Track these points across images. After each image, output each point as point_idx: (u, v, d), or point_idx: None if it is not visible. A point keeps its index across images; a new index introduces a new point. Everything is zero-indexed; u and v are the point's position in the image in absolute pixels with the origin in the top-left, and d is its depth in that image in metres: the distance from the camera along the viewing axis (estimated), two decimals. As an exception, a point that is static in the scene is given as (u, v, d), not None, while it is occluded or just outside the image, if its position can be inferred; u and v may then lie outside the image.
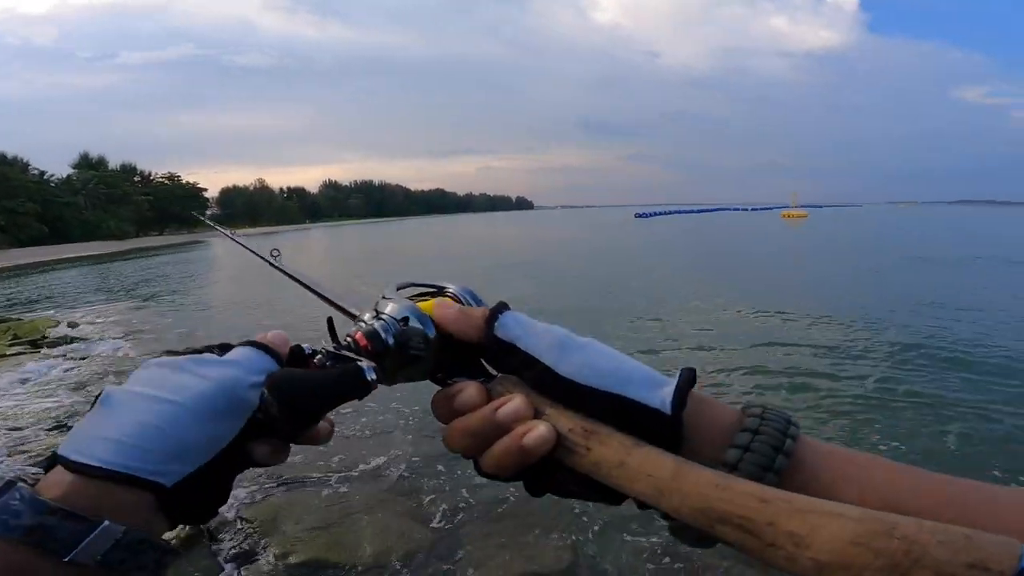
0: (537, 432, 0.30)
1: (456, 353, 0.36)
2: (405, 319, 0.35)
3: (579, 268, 15.64)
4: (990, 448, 3.85)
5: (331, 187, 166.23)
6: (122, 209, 58.23)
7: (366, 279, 13.88)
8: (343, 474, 3.58)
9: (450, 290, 0.39)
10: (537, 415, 0.31)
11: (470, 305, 0.38)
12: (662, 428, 0.30)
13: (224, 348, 0.35)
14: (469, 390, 0.34)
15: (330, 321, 0.40)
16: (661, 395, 0.30)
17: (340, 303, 0.45)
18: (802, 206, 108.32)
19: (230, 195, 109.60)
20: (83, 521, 0.26)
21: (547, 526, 2.88)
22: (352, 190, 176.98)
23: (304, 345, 0.37)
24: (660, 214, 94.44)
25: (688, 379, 0.31)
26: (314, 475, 3.55)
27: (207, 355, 0.33)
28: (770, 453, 0.28)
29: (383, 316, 0.36)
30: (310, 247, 35.39)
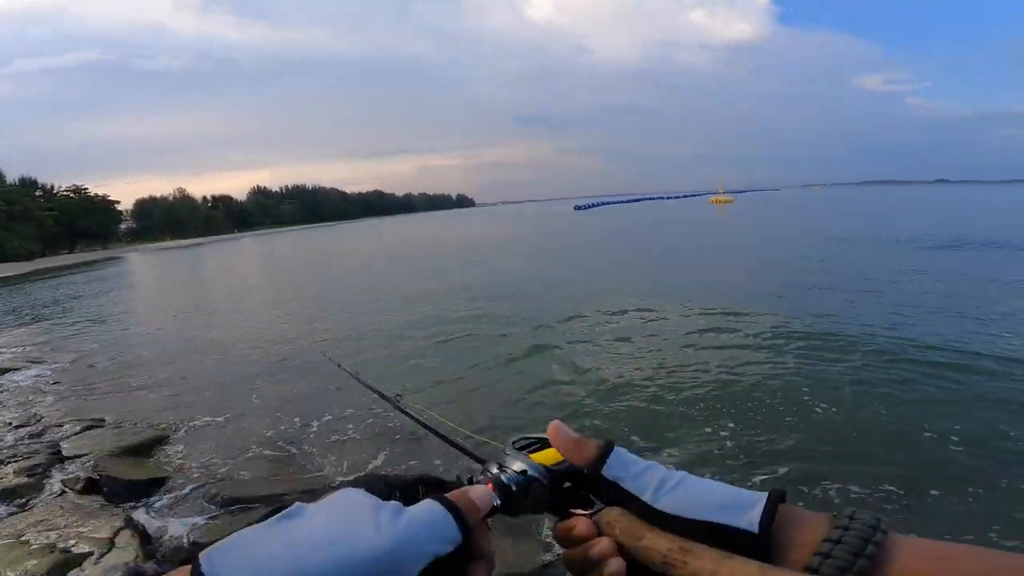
0: (611, 568, 0.37)
1: (569, 485, 0.44)
2: (524, 471, 0.42)
3: (521, 265, 15.92)
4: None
5: (260, 193, 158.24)
6: (24, 227, 53.06)
7: (320, 301, 13.52)
8: (299, 494, 3.48)
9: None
10: (638, 538, 0.38)
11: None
12: (753, 546, 0.35)
13: (412, 490, 0.38)
14: (579, 527, 0.40)
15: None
16: (749, 517, 0.36)
17: (470, 451, 0.57)
18: (728, 192, 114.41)
19: (146, 207, 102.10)
20: None
21: None
22: (284, 196, 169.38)
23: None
24: (598, 205, 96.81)
25: (776, 499, 0.36)
26: (275, 492, 3.49)
27: (393, 504, 0.34)
28: (850, 559, 0.33)
29: (507, 470, 0.43)
30: (239, 261, 33.54)
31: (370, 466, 3.86)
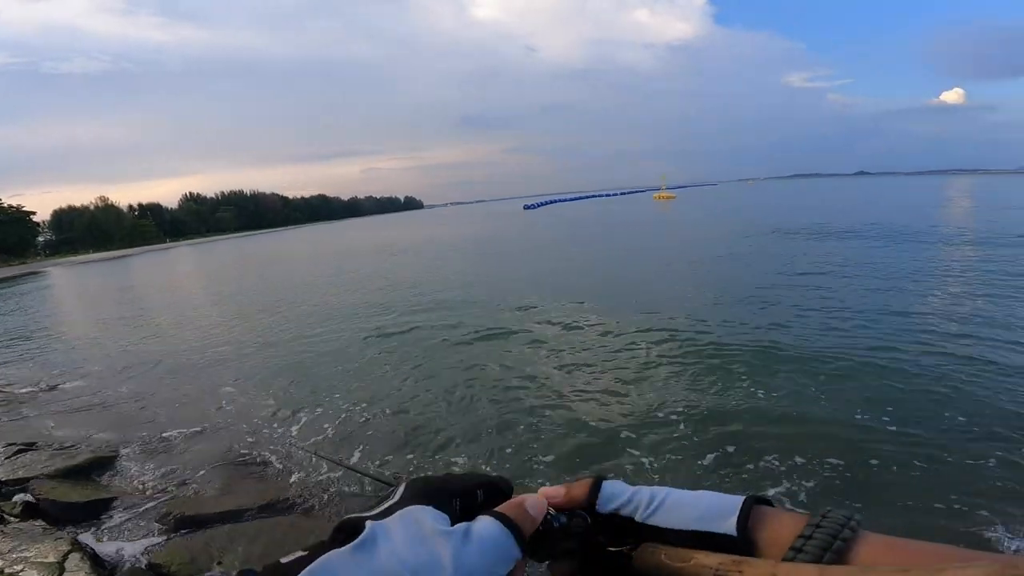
0: None
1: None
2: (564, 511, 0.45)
3: (471, 268, 15.94)
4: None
5: (193, 200, 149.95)
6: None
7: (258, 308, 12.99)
8: (257, 509, 3.42)
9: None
10: (687, 559, 0.41)
11: None
12: (734, 547, 0.40)
13: (471, 496, 0.41)
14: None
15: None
16: (728, 523, 0.41)
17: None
18: (670, 188, 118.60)
19: (66, 217, 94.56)
20: None
21: None
22: (219, 202, 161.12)
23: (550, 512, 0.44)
24: (547, 203, 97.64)
25: (750, 504, 0.41)
26: (230, 509, 3.40)
27: (460, 529, 0.36)
28: (818, 552, 0.36)
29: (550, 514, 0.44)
30: (171, 272, 31.64)
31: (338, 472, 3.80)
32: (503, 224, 40.67)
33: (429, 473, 0.46)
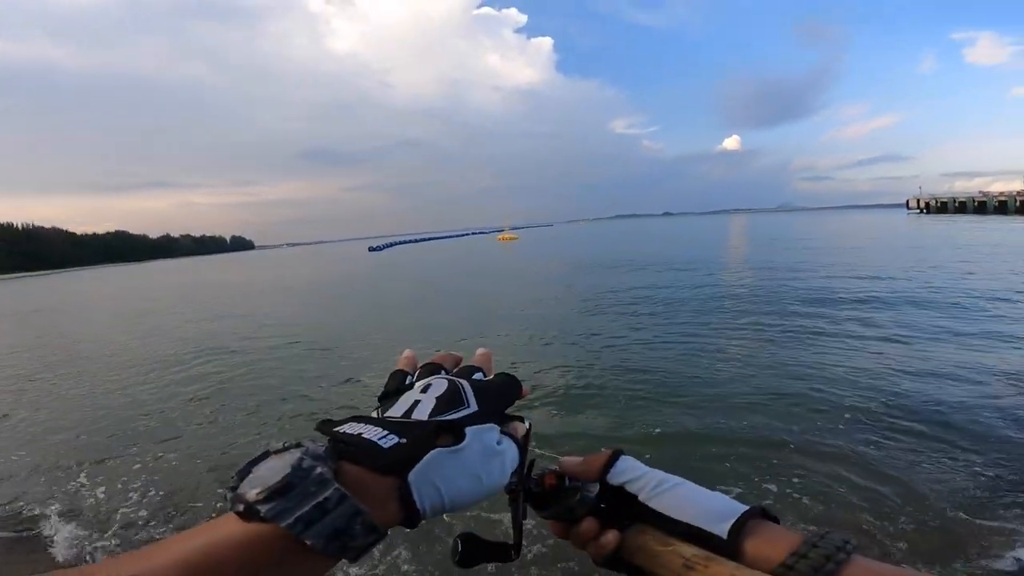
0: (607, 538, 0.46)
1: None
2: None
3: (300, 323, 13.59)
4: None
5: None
6: None
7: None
8: None
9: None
10: (668, 544, 0.43)
11: None
12: (722, 550, 0.41)
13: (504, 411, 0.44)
14: (590, 526, 0.47)
15: (532, 462, 0.48)
16: (723, 525, 0.42)
17: None
18: (513, 228, 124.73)
19: None
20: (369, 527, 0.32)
21: None
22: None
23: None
24: (393, 245, 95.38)
25: (749, 514, 0.42)
26: None
27: (506, 450, 0.41)
28: (809, 572, 0.36)
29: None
30: None
31: None
32: (352, 268, 37.60)
33: (481, 378, 0.46)
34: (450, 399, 0.41)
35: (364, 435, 0.35)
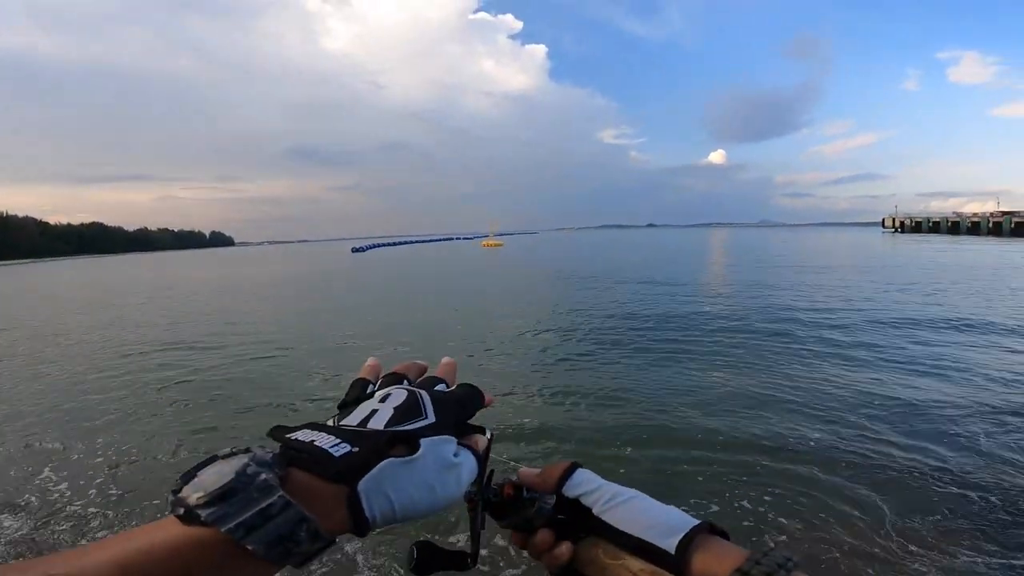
0: (560, 550, 0.47)
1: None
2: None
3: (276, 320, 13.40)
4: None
5: None
6: None
7: None
8: None
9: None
10: (619, 559, 0.44)
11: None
12: (670, 565, 0.42)
13: (465, 423, 0.45)
14: (545, 537, 0.48)
15: (492, 471, 0.49)
16: (671, 541, 0.42)
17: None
18: (498, 234, 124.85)
19: None
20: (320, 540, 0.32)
21: None
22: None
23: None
24: (376, 247, 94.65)
25: (698, 529, 0.43)
26: None
27: (462, 462, 0.41)
28: None
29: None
30: None
31: None
32: (335, 266, 37.19)
33: (443, 390, 0.47)
34: (407, 410, 0.41)
35: (316, 443, 0.35)
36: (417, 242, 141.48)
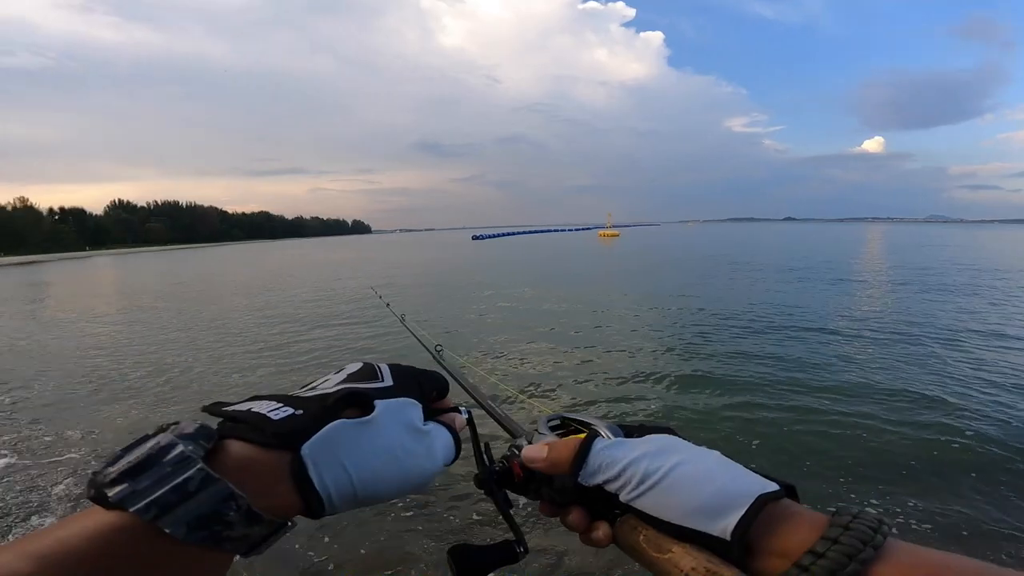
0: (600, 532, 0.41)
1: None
2: None
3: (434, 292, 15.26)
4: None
5: (121, 208, 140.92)
6: None
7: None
8: None
9: (596, 428, 0.43)
10: (664, 551, 0.36)
11: (615, 437, 0.42)
12: (726, 550, 0.33)
13: (428, 394, 0.42)
14: (575, 517, 0.42)
15: (487, 446, 0.47)
16: (724, 524, 0.33)
17: (503, 421, 0.57)
18: (614, 226, 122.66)
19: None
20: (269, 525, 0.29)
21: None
22: (151, 212, 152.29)
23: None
24: (495, 236, 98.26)
25: (760, 503, 0.33)
26: None
27: (433, 434, 0.39)
28: (843, 560, 0.29)
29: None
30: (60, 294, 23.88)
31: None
32: (460, 252, 39.84)
33: (401, 363, 0.43)
34: (362, 375, 0.38)
35: (253, 409, 0.32)
36: (535, 232, 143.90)
